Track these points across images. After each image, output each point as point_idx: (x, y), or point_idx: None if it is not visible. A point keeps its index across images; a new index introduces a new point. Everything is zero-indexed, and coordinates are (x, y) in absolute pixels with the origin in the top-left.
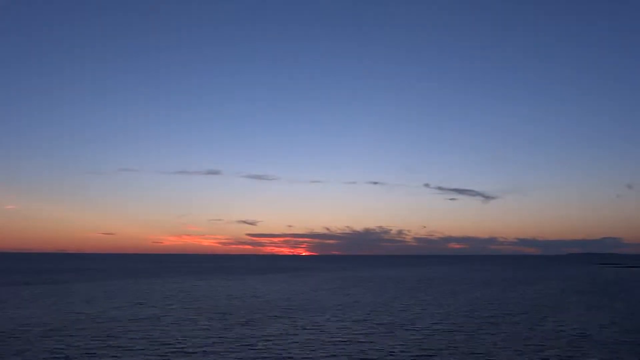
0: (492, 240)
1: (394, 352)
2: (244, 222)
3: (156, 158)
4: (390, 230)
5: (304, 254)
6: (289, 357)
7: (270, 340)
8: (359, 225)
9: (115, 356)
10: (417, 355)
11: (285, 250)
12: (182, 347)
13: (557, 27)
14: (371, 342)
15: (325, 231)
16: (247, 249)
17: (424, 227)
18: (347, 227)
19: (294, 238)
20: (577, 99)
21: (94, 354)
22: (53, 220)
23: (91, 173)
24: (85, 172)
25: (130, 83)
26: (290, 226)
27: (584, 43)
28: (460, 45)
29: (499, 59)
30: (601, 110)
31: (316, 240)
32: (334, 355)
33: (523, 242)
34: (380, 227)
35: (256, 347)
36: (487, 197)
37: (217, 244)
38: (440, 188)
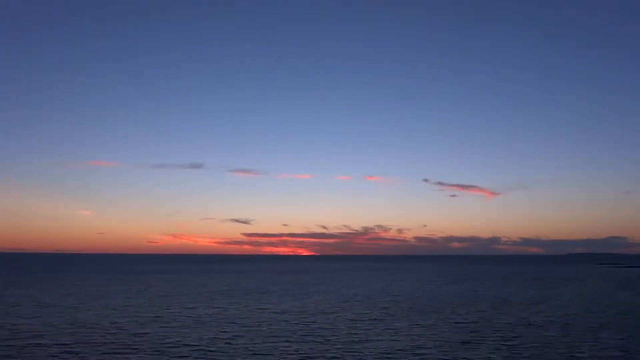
0: (495, 240)
1: None
2: (237, 220)
3: (130, 150)
4: (390, 228)
5: (305, 254)
6: None
7: None
8: (356, 224)
9: None
10: None
11: (286, 250)
12: None
13: (562, 24)
14: None
15: (323, 230)
16: (247, 249)
17: (425, 226)
18: (345, 225)
19: (291, 238)
20: (584, 93)
21: None
22: (31, 216)
23: (60, 165)
24: (54, 165)
25: (100, 69)
26: (285, 225)
27: (590, 38)
28: (461, 37)
29: (503, 52)
30: (609, 104)
31: (314, 240)
32: None
33: (527, 241)
34: (379, 225)
35: None
36: (490, 194)
37: (214, 244)
38: (440, 183)
